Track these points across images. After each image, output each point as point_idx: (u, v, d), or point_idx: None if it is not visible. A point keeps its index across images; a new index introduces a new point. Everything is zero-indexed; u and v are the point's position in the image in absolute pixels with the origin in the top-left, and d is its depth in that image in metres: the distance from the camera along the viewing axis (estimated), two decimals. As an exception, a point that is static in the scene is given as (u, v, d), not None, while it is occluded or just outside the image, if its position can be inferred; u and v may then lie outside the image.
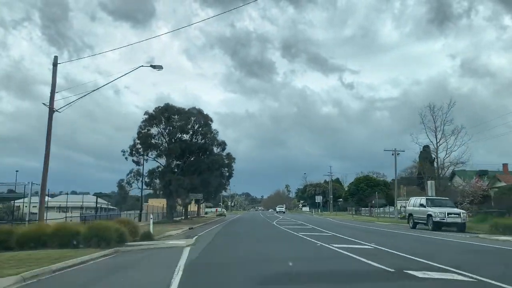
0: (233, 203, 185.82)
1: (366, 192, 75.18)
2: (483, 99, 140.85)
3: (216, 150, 44.30)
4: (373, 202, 65.99)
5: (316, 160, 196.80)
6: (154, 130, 40.00)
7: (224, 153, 46.50)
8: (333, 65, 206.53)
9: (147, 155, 40.14)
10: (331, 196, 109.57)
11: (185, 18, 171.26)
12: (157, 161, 41.11)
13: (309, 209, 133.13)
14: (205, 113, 42.42)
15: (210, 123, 42.30)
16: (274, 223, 39.67)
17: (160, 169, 40.86)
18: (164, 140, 40.43)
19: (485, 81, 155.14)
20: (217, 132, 43.56)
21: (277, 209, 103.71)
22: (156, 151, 40.10)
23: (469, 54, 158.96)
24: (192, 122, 40.62)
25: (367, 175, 78.65)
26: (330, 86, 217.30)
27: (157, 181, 40.82)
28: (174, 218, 46.92)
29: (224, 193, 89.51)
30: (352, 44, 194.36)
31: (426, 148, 52.29)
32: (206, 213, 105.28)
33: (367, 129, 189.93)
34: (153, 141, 39.81)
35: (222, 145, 44.59)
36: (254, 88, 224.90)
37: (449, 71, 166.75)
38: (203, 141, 41.92)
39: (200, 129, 41.18)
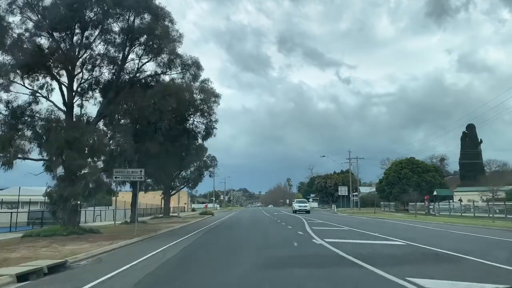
0: (229, 197, 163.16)
1: (412, 181, 52.31)
2: (480, 95, 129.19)
3: (179, 77, 20.69)
4: (434, 194, 43.12)
5: (313, 156, 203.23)
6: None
7: (197, 86, 22.38)
8: (330, 59, 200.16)
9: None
10: (357, 188, 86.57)
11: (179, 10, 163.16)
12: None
13: (318, 204, 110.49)
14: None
15: (168, 24, 19.01)
16: (318, 240, 16.78)
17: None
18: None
19: (483, 76, 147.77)
20: (180, 35, 19.19)
21: (296, 206, 57.88)
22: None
23: (466, 49, 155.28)
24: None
25: (411, 158, 55.63)
26: (327, 81, 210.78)
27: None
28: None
29: (208, 177, 65.41)
30: (349, 38, 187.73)
31: None
32: (193, 209, 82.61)
33: (364, 125, 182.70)
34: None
35: (193, 67, 20.50)
36: (250, 83, 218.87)
37: (446, 66, 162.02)
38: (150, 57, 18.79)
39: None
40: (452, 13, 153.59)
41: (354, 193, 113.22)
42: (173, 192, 38.50)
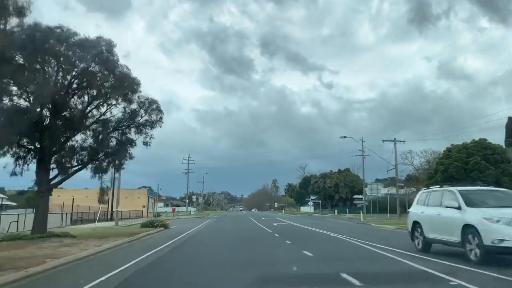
0: (205, 199, 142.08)
1: (488, 174, 32.71)
2: (459, 102, 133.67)
3: None
4: None
5: (296, 160, 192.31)
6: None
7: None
8: (313, 64, 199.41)
9: None
10: (362, 190, 66.82)
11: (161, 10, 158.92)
12: None
13: (314, 209, 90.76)
14: None
15: None
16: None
17: None
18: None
19: (462, 83, 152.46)
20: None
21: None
22: None
23: (446, 56, 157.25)
24: None
25: (481, 140, 35.80)
26: (310, 86, 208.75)
27: None
28: None
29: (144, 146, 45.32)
30: (331, 43, 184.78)
31: None
32: (158, 215, 61.69)
33: (345, 130, 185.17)
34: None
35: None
36: (233, 86, 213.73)
37: (426, 73, 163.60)
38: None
39: None
40: (433, 20, 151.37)
41: (357, 196, 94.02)
42: (55, 181, 16.95)
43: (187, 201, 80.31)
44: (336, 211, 75.21)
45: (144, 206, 55.44)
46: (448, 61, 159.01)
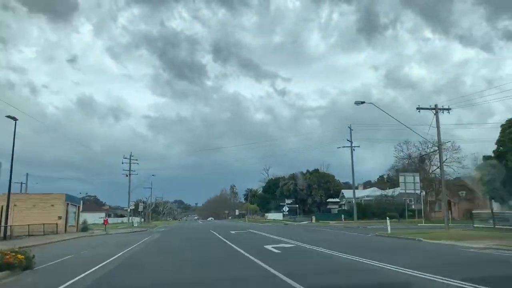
0: (158, 208, 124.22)
1: None
2: (405, 110, 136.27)
3: None
4: None
5: (250, 167, 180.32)
6: None
7: None
8: (266, 71, 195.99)
9: None
10: (352, 191, 53.28)
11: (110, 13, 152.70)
12: None
13: (284, 216, 76.77)
14: None
15: None
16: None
17: None
18: None
19: (407, 92, 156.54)
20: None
21: None
22: None
23: (393, 65, 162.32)
24: None
25: None
26: (263, 93, 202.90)
27: None
28: None
29: None
30: (283, 51, 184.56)
31: None
32: (85, 228, 45.50)
33: (298, 136, 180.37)
34: None
35: None
36: (185, 92, 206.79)
37: (373, 82, 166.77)
38: None
39: None
40: (381, 30, 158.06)
41: (332, 199, 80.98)
42: None
43: (129, 210, 63.29)
44: (313, 217, 61.51)
45: (60, 217, 38.57)
46: (394, 70, 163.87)
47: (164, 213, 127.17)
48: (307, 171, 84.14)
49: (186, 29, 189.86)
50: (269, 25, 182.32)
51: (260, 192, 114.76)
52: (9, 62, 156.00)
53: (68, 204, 40.88)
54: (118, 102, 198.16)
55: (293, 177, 78.66)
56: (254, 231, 31.65)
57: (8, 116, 28.78)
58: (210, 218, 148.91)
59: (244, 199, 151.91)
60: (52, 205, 39.16)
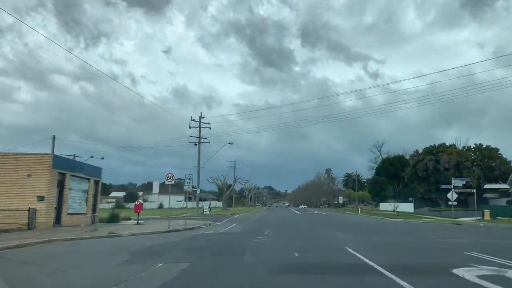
0: (244, 192, 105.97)
1: None
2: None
3: None
4: None
5: (340, 155, 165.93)
6: None
7: None
8: (356, 54, 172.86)
9: None
10: None
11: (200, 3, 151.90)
12: None
13: (415, 207, 51.79)
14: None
15: None
16: None
17: None
18: None
19: None
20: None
21: None
22: None
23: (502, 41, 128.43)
24: None
25: None
26: (355, 75, 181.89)
27: None
28: None
29: None
30: (376, 32, 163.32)
31: None
32: (114, 217, 25.47)
33: (388, 121, 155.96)
34: None
35: None
36: (273, 79, 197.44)
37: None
38: None
39: None
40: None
41: (490, 185, 53.79)
42: None
43: (198, 191, 44.07)
44: (485, 211, 36.33)
45: (41, 199, 19.74)
46: (505, 46, 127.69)
47: (250, 198, 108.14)
48: (434, 144, 57.43)
49: (273, 14, 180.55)
50: (360, 4, 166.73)
51: (366, 178, 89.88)
52: (112, 55, 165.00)
53: (63, 175, 21.61)
54: (210, 91, 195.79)
55: (430, 151, 52.86)
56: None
57: None
58: (302, 206, 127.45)
59: (343, 185, 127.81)
60: (29, 175, 20.17)
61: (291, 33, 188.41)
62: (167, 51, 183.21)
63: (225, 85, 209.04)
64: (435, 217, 38.06)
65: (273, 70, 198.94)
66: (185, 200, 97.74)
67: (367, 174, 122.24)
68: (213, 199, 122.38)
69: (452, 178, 32.87)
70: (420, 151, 54.58)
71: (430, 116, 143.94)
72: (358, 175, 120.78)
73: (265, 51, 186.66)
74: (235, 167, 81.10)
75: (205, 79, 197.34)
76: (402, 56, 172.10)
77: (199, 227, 21.24)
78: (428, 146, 54.46)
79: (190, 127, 46.74)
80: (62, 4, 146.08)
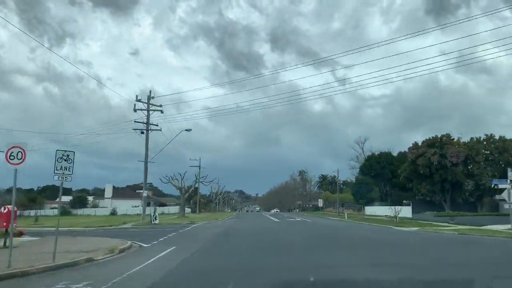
0: (211, 196, 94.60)
1: None
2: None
3: None
4: None
5: (310, 158, 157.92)
6: None
7: None
8: (325, 59, 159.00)
9: None
10: None
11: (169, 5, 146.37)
12: None
13: (413, 212, 42.51)
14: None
15: None
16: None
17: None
18: None
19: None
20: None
21: None
22: None
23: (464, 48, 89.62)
24: None
25: None
26: (323, 80, 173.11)
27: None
28: None
29: None
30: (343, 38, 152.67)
31: None
32: None
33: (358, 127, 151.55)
34: None
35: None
36: (242, 82, 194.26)
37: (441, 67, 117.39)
38: None
39: None
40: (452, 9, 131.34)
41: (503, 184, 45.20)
42: None
43: (144, 194, 32.90)
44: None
45: None
46: (466, 53, 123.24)
47: (217, 203, 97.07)
48: (444, 135, 48.75)
49: (243, 18, 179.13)
50: (328, 11, 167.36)
51: (343, 180, 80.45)
52: (77, 56, 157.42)
53: None
54: (178, 94, 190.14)
55: (433, 143, 43.71)
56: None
57: None
58: (275, 210, 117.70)
59: (318, 187, 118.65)
60: None
61: (260, 37, 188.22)
62: (135, 53, 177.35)
63: (194, 88, 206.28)
64: (454, 226, 28.39)
65: (243, 73, 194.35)
66: (143, 205, 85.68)
67: (345, 175, 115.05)
68: (177, 204, 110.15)
69: (509, 169, 22.84)
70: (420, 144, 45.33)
71: (397, 120, 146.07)
72: (334, 176, 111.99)
73: (235, 54, 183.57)
74: (200, 166, 70.05)
75: (174, 82, 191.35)
76: (369, 61, 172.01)
77: (88, 261, 10.03)
78: (429, 137, 45.30)
79: (135, 110, 35.37)
80: (24, 3, 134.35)
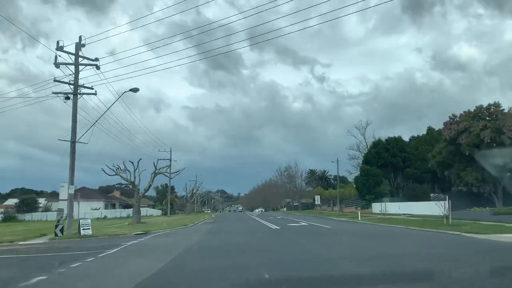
0: (191, 197, 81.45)
1: None
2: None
3: None
4: None
5: (292, 157, 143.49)
6: None
7: None
8: (303, 58, 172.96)
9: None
10: None
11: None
12: None
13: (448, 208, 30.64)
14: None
15: None
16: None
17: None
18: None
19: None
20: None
21: None
22: None
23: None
24: None
25: None
26: (303, 79, 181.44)
27: None
28: None
29: None
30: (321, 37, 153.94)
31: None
32: None
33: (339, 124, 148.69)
34: None
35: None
36: (222, 82, 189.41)
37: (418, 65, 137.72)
38: None
39: None
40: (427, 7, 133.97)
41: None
42: None
43: (71, 189, 20.39)
44: None
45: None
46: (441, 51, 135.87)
47: (195, 203, 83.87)
48: (492, 104, 36.98)
49: (221, 17, 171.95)
50: (305, 9, 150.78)
51: (334, 175, 68.25)
52: (51, 57, 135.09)
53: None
54: (157, 94, 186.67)
55: (477, 114, 31.85)
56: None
57: None
58: (259, 210, 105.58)
59: (306, 183, 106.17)
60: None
61: (239, 36, 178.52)
62: (111, 53, 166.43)
63: (173, 87, 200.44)
64: None
65: (222, 73, 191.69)
66: (106, 208, 72.02)
67: (341, 169, 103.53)
68: (155, 205, 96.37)
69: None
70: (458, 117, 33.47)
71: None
72: (325, 171, 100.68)
73: (213, 53, 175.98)
74: (171, 159, 56.98)
75: (152, 82, 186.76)
76: (347, 60, 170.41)
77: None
78: (467, 110, 33.49)
79: (56, 64, 22.35)
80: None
